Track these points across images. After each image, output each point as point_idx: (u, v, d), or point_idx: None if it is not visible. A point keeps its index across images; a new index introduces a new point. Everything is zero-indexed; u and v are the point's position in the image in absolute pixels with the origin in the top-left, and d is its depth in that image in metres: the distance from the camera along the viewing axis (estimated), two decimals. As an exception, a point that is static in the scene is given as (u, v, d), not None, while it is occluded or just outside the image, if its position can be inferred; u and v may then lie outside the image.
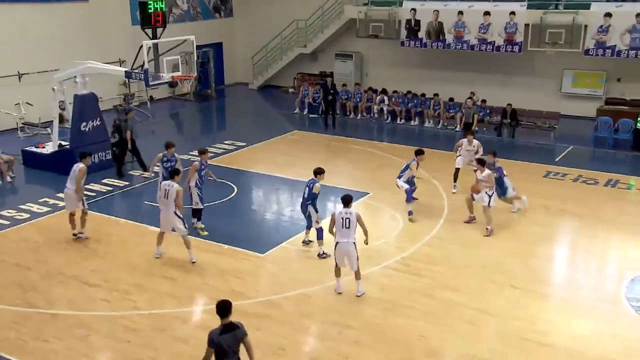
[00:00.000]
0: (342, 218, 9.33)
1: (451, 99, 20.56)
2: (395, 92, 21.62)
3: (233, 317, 6.43)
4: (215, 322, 6.46)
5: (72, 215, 11.48)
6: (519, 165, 16.12)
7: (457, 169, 14.03)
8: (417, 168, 12.52)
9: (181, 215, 10.56)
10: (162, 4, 15.08)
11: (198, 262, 10.68)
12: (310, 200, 10.91)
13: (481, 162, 12.11)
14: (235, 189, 14.19)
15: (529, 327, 8.88)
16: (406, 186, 12.47)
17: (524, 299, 9.64)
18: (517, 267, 10.64)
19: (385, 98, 21.50)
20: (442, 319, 9.07)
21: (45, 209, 13.09)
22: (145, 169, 15.18)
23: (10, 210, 12.95)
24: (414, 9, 21.22)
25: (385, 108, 21.40)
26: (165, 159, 12.40)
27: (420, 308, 9.32)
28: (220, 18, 26.79)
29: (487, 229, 11.80)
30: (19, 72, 19.11)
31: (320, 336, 8.70)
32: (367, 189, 14.25)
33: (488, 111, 19.75)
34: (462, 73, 22.00)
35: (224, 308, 6.37)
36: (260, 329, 8.69)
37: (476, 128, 17.67)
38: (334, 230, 9.42)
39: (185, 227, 10.65)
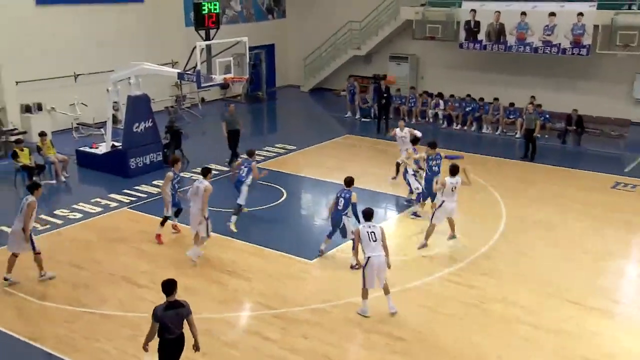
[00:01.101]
0: (367, 232, 9.23)
1: (511, 104, 20.21)
2: (451, 96, 21.42)
3: (281, 323, 6.56)
4: (267, 327, 6.59)
5: (14, 256, 10.06)
6: (584, 175, 15.70)
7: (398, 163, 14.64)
8: (420, 159, 13.06)
9: (206, 215, 10.80)
10: (216, 6, 15.44)
11: (245, 266, 10.88)
12: (345, 211, 10.88)
13: (415, 142, 13.60)
14: (285, 194, 14.37)
15: (593, 347, 8.62)
16: (420, 187, 12.92)
17: (586, 315, 9.39)
18: (579, 281, 10.37)
19: (441, 102, 21.34)
20: (497, 333, 8.93)
21: (98, 209, 13.59)
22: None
23: (63, 210, 13.48)
24: (474, 10, 20.99)
25: (440, 112, 21.23)
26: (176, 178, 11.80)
27: (474, 321, 9.21)
28: (273, 19, 27.20)
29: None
30: (74, 73, 19.93)
31: (368, 346, 8.71)
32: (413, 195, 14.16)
33: (548, 116, 19.32)
34: (523, 77, 21.60)
35: (168, 286, 7.09)
36: (307, 337, 8.78)
37: (538, 134, 17.33)
38: (361, 246, 9.24)
39: (208, 232, 10.90)
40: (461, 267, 10.84)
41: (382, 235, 9.26)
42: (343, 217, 10.95)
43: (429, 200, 12.64)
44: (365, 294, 9.35)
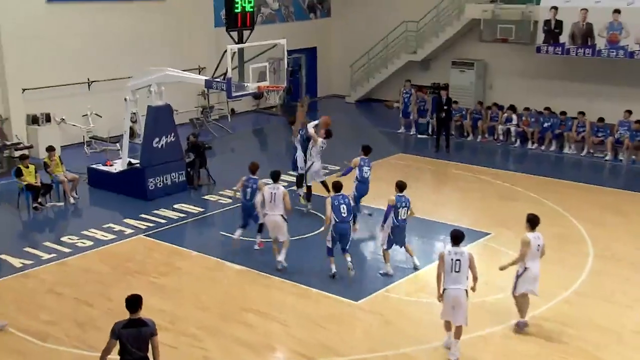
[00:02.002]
0: (452, 259, 9.23)
1: (600, 119, 19.82)
2: (526, 109, 21.16)
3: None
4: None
5: None
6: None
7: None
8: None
9: (287, 219, 11.95)
10: (250, 3, 15.64)
11: (280, 307, 10.86)
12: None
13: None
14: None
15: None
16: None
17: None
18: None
19: (514, 116, 21.09)
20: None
21: (110, 236, 13.73)
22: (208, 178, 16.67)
23: (72, 237, 13.67)
24: (555, 7, 20.80)
25: (513, 128, 20.97)
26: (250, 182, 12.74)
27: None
28: (316, 19, 27.55)
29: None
30: (88, 80, 20.46)
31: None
32: (485, 227, 14.05)
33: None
34: (615, 87, 21.22)
35: (132, 302, 7.33)
36: (352, 393, 8.69)
37: (633, 157, 16.94)
38: (442, 274, 9.32)
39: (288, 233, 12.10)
40: (537, 316, 10.57)
41: (472, 263, 9.30)
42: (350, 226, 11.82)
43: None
44: (448, 326, 9.53)
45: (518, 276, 10.01)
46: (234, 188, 13.33)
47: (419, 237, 13.89)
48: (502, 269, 10.24)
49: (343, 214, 11.58)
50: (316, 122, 15.16)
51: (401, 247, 12.12)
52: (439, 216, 14.73)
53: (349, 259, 11.69)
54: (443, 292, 9.33)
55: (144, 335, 7.29)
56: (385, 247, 11.97)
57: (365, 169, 13.95)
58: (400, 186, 11.90)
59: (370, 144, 14.57)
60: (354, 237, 12.69)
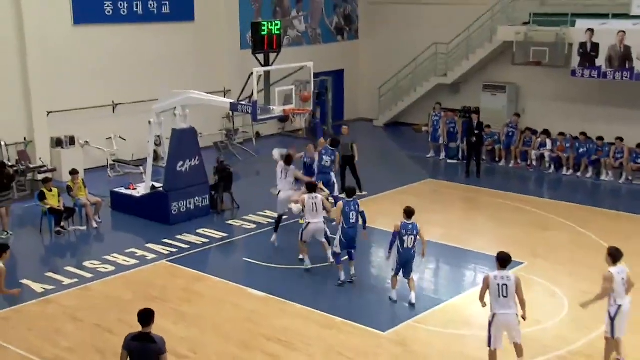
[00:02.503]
0: (499, 284, 9.16)
1: (639, 145, 19.65)
2: (561, 134, 21.05)
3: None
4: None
5: None
6: None
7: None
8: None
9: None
10: (277, 26, 15.83)
11: (305, 337, 10.85)
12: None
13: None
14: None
15: None
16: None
17: None
18: None
19: (548, 141, 20.98)
20: None
21: (133, 261, 13.88)
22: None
23: (94, 262, 13.83)
24: (591, 30, 20.73)
25: (547, 154, 20.86)
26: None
27: None
28: (343, 41, 27.77)
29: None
30: (113, 102, 20.86)
31: None
32: (518, 256, 13.74)
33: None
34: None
35: (143, 316, 7.60)
36: None
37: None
38: (486, 298, 9.31)
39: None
40: (575, 350, 10.42)
41: (519, 288, 9.21)
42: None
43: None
44: (492, 357, 9.35)
45: (612, 318, 9.50)
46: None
47: (449, 266, 13.85)
48: (583, 306, 9.91)
49: (352, 220, 12.42)
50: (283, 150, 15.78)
51: (406, 277, 11.89)
52: (470, 244, 14.70)
53: (352, 269, 12.60)
54: (493, 318, 9.23)
55: (150, 352, 7.43)
56: (393, 272, 11.97)
57: (326, 158, 15.65)
58: (408, 213, 11.72)
59: (399, 169, 14.62)
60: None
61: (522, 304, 9.27)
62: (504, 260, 9.30)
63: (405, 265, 11.79)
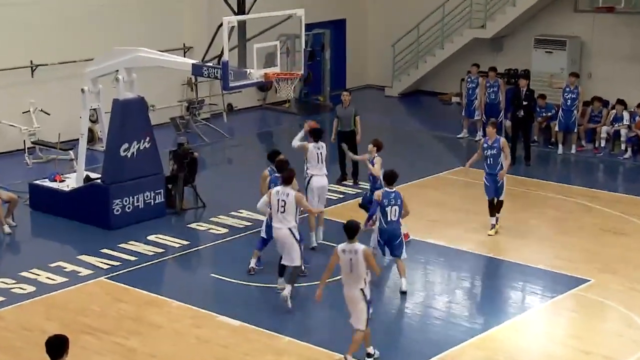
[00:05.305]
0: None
1: None
2: (640, 106, 20.87)
3: None
4: None
5: None
6: None
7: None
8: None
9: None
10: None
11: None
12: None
13: None
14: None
15: None
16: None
17: None
18: None
19: (625, 114, 20.74)
20: None
21: (60, 279, 13.72)
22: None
23: (6, 280, 13.60)
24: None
25: (623, 131, 20.65)
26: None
27: None
28: (346, -19, 27.52)
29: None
30: (32, 63, 20.56)
31: None
32: (582, 271, 14.03)
33: None
34: None
35: (53, 345, 7.50)
36: None
37: None
38: None
39: None
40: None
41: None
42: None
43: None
44: None
45: None
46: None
47: (488, 283, 14.23)
48: None
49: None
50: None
51: (392, 256, 12.89)
52: (516, 255, 14.85)
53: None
54: None
55: None
56: (374, 249, 12.78)
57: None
58: (390, 178, 12.54)
59: (422, 153, 14.55)
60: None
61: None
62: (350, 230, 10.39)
63: (389, 241, 12.69)
